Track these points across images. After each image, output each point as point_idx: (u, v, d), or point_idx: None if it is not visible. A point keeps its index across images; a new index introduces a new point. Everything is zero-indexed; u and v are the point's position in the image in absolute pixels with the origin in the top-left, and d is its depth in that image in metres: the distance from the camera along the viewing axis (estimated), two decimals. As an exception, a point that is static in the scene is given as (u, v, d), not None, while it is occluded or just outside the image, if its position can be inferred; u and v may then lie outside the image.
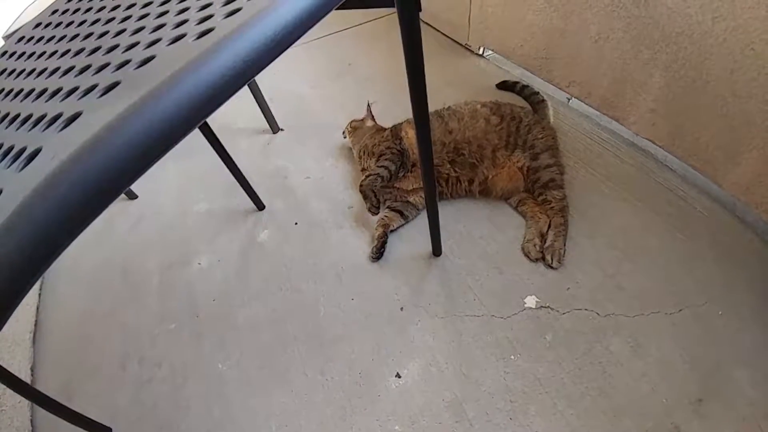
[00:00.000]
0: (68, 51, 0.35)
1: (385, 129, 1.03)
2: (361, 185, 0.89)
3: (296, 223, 0.96)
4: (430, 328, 0.74)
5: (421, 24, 1.62)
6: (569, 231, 0.83)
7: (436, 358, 0.70)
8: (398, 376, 0.69)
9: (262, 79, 1.55)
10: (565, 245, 0.80)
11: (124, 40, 0.30)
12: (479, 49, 1.39)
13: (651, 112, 0.90)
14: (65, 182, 0.15)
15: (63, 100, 0.25)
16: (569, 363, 0.67)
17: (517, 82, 1.17)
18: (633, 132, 0.96)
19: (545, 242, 0.81)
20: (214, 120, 1.35)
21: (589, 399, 0.63)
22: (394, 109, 1.26)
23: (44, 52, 0.38)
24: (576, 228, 0.84)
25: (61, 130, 0.21)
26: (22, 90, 0.32)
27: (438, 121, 0.96)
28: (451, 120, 0.94)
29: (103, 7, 0.42)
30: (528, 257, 0.80)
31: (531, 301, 0.75)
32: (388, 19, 1.77)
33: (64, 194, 0.15)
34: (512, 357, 0.68)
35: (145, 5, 0.37)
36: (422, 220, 0.88)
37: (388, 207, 0.92)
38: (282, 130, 1.27)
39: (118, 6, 0.40)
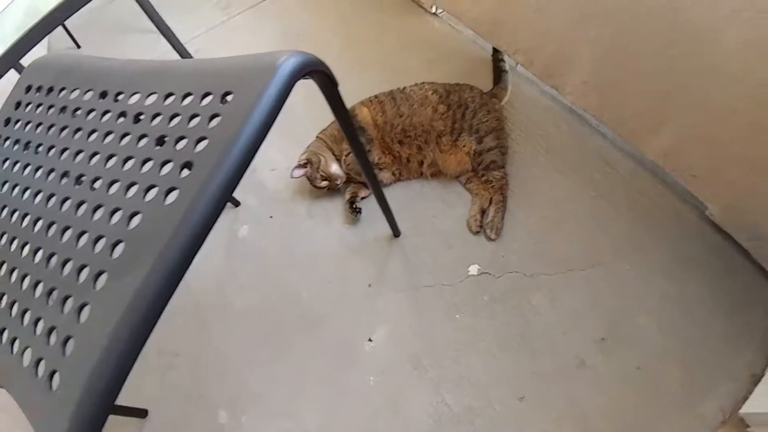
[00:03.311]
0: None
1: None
2: (347, 164, 1.02)
3: (271, 217, 1.07)
4: (394, 299, 0.91)
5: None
6: (509, 204, 0.96)
7: (399, 323, 0.88)
8: (370, 340, 0.87)
9: (211, 56, 1.52)
10: (503, 220, 0.93)
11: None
12: (432, 7, 1.37)
13: (584, 84, 0.97)
14: (93, 394, 0.29)
15: (62, 271, 0.36)
16: (501, 316, 0.85)
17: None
18: (569, 102, 1.04)
19: (487, 217, 0.94)
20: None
21: (515, 344, 0.82)
22: (351, 86, 1.27)
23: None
24: (514, 201, 0.97)
25: (77, 319, 0.33)
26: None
27: (391, 103, 1.02)
28: (403, 104, 1.01)
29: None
30: (470, 231, 0.94)
31: (474, 269, 0.91)
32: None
33: (96, 399, 0.29)
34: (457, 316, 0.86)
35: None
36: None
37: (352, 182, 1.04)
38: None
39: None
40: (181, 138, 0.39)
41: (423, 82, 1.07)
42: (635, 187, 0.96)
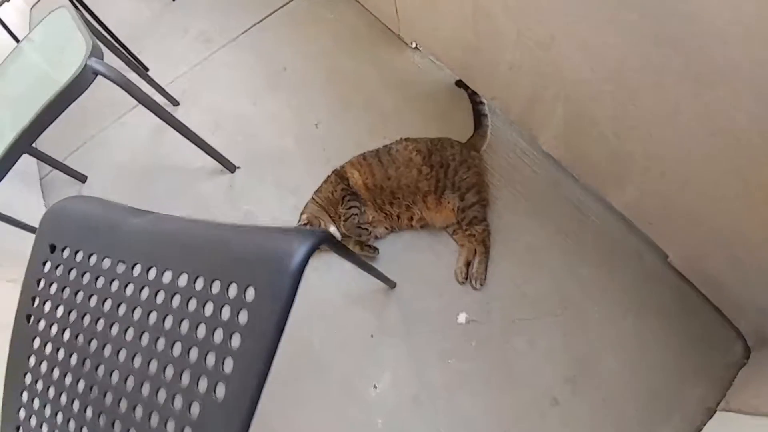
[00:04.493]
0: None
1: (328, 178, 1.15)
2: (346, 229, 1.08)
3: (278, 272, 1.17)
4: (393, 347, 1.03)
5: (354, 4, 1.57)
6: (491, 252, 1.07)
7: (400, 370, 1.01)
8: (375, 387, 1.00)
9: (199, 98, 1.54)
10: (486, 270, 1.04)
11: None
12: (412, 42, 1.39)
13: (555, 138, 1.05)
14: None
15: None
16: (486, 359, 0.98)
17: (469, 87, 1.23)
18: (544, 148, 1.12)
19: (472, 267, 1.05)
20: (166, 163, 1.41)
21: (500, 384, 0.96)
22: (338, 130, 1.35)
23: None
24: (496, 249, 1.07)
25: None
26: None
27: (378, 165, 1.10)
28: (390, 167, 1.08)
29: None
30: (457, 281, 1.05)
31: (462, 318, 1.03)
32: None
33: None
34: (450, 361, 0.99)
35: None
36: (381, 260, 1.10)
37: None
38: (239, 167, 1.36)
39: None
40: (217, 327, 0.48)
41: (406, 140, 1.13)
42: (603, 230, 1.06)
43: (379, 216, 1.10)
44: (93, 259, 0.58)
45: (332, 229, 1.11)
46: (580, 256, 1.04)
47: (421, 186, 1.06)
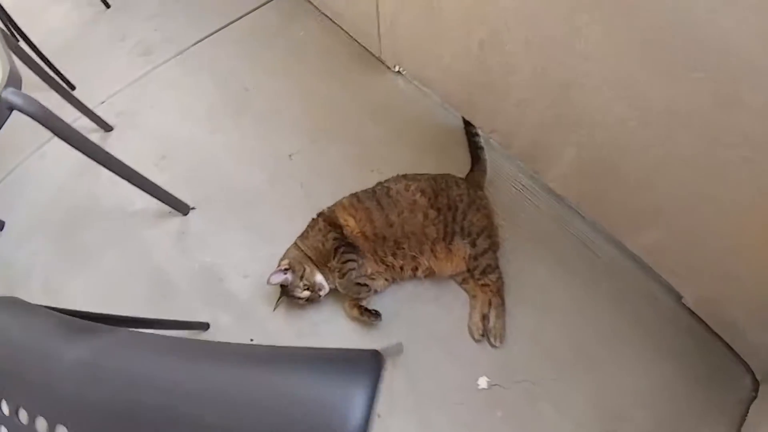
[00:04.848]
0: None
1: (315, 223, 0.97)
2: (342, 287, 0.91)
3: (252, 340, 0.95)
4: (404, 425, 0.87)
5: (327, 21, 1.41)
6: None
7: (416, 451, 0.85)
8: (388, 480, 0.83)
9: (140, 122, 1.27)
10: (504, 325, 0.93)
11: None
12: (395, 66, 1.27)
13: (564, 176, 0.98)
14: None
15: None
16: (513, 429, 0.86)
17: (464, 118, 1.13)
18: (549, 185, 1.05)
19: (489, 321, 0.93)
20: (100, 203, 1.12)
21: (528, 454, 0.84)
22: (317, 162, 1.17)
23: None
24: (509, 298, 0.96)
25: None
26: None
27: (378, 210, 0.94)
28: (391, 211, 0.94)
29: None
30: (472, 338, 0.93)
31: (483, 382, 0.90)
32: (275, 6, 1.47)
33: None
34: (473, 438, 0.86)
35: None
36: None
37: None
38: (193, 209, 1.12)
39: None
40: None
41: (404, 177, 1.00)
42: (614, 270, 1.00)
43: (379, 268, 0.94)
44: (24, 418, 0.36)
45: (319, 278, 0.92)
46: (593, 299, 0.97)
47: (428, 233, 0.92)
